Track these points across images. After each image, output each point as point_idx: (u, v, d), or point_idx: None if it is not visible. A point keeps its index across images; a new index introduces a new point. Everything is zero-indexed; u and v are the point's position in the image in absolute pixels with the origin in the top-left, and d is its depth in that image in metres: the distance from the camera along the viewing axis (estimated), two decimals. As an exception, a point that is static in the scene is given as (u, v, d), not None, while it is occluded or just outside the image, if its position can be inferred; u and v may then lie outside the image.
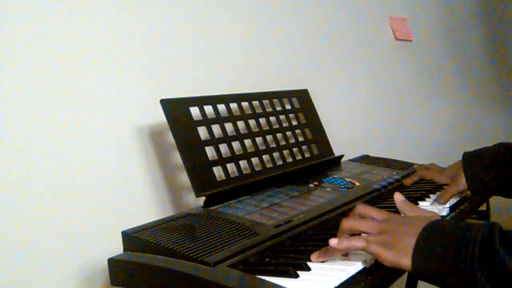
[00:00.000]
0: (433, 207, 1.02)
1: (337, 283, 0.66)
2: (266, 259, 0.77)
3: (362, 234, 0.75)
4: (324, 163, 1.26)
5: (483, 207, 1.18)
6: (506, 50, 2.23)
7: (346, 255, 0.76)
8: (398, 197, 0.89)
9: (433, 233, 0.69)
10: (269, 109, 1.21)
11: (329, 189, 1.08)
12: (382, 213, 0.79)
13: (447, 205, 1.04)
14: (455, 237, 0.66)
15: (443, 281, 0.66)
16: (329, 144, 1.33)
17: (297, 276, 0.68)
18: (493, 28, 2.21)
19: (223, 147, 1.05)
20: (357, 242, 0.72)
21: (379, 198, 1.09)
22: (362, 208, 0.80)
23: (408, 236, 0.69)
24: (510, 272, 0.61)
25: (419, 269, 0.67)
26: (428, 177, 1.20)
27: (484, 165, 1.06)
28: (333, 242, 0.72)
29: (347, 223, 0.76)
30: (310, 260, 0.73)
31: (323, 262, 0.74)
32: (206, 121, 1.04)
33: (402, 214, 0.86)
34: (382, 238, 0.71)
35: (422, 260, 0.67)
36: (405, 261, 0.68)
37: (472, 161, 1.09)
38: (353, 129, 1.69)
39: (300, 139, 1.26)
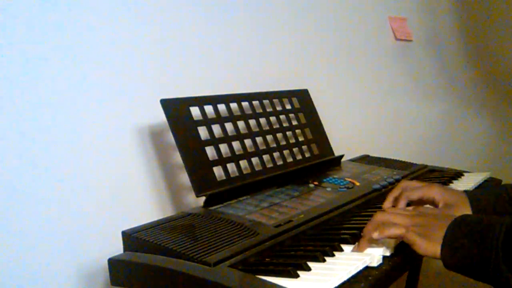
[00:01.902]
0: None
1: (337, 283, 0.66)
2: (266, 259, 0.77)
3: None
4: (324, 163, 1.26)
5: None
6: (488, 55, 2.25)
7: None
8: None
9: (461, 226, 0.74)
10: (269, 109, 1.21)
11: (329, 189, 1.08)
12: (411, 209, 0.86)
13: None
14: (480, 230, 0.71)
15: (469, 272, 0.71)
16: (329, 144, 1.33)
17: (297, 276, 0.68)
18: (474, 32, 2.22)
19: (223, 147, 1.05)
20: (397, 230, 0.76)
21: (379, 198, 1.09)
22: (392, 209, 0.87)
23: (439, 228, 0.75)
24: None
25: (447, 259, 0.73)
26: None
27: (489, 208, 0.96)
28: (375, 234, 0.76)
29: (381, 216, 0.81)
30: (310, 261, 0.73)
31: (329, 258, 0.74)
32: (206, 121, 1.04)
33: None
34: (418, 228, 0.76)
35: (450, 251, 0.72)
36: (437, 252, 0.73)
37: (479, 203, 0.96)
38: (353, 129, 1.69)
39: (300, 139, 1.26)
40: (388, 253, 0.77)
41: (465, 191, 0.98)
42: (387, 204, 0.99)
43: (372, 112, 1.80)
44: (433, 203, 0.96)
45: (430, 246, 0.74)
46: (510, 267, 0.67)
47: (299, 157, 1.23)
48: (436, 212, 0.84)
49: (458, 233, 0.73)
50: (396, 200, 0.98)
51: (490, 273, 0.69)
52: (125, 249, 0.82)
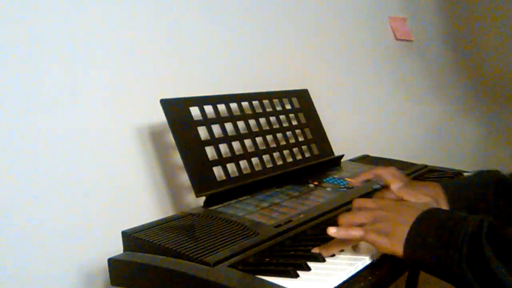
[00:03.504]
0: None
1: (337, 283, 0.66)
2: (266, 259, 0.77)
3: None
4: (324, 163, 1.26)
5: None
6: (486, 54, 2.25)
7: (354, 247, 0.77)
8: (395, 185, 0.93)
9: (425, 223, 0.71)
10: (269, 109, 1.21)
11: (329, 189, 1.08)
12: (377, 202, 0.81)
13: None
14: (447, 229, 0.68)
15: (432, 271, 0.69)
16: (329, 144, 1.33)
17: (297, 276, 0.68)
18: (462, 36, 2.23)
19: (223, 147, 1.05)
20: (355, 232, 0.73)
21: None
22: (358, 202, 0.82)
23: (402, 224, 0.71)
24: (493, 270, 0.62)
25: (410, 258, 0.70)
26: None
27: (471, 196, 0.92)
28: (331, 230, 0.74)
29: (344, 219, 0.78)
30: (310, 261, 0.73)
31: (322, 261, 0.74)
32: (206, 121, 1.04)
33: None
34: (378, 226, 0.73)
35: (414, 249, 0.69)
36: (399, 249, 0.70)
37: (455, 191, 0.93)
38: (353, 129, 1.69)
39: (300, 139, 1.26)
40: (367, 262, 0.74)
41: (442, 184, 0.94)
42: (355, 183, 1.06)
43: (372, 112, 1.80)
44: None
45: (391, 244, 0.70)
46: (473, 269, 0.64)
47: (299, 157, 1.23)
48: (401, 205, 0.79)
49: (422, 230, 0.70)
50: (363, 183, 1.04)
51: (452, 273, 0.66)
52: (125, 249, 0.82)
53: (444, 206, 0.90)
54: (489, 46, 2.21)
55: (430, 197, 0.88)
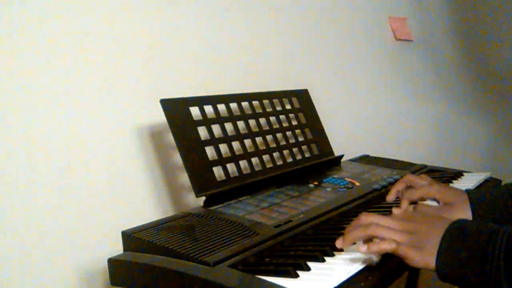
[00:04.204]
0: None
1: (336, 283, 0.66)
2: (266, 259, 0.77)
3: (388, 236, 0.73)
4: (324, 163, 1.26)
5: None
6: (486, 55, 2.24)
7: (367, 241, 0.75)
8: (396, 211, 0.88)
9: (457, 235, 0.70)
10: (269, 109, 1.21)
11: (329, 189, 1.08)
12: (402, 211, 0.81)
13: None
14: (481, 243, 0.67)
15: (468, 286, 0.67)
16: (329, 144, 1.33)
17: (297, 276, 0.68)
18: (467, 33, 2.22)
19: (223, 147, 1.05)
20: (387, 245, 0.72)
21: (379, 198, 1.09)
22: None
23: (432, 237, 0.70)
24: None
25: (444, 272, 0.69)
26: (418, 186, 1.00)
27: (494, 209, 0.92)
28: (363, 249, 0.72)
29: (367, 217, 0.76)
30: (310, 261, 0.73)
31: (323, 261, 0.74)
32: (206, 121, 1.04)
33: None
34: (409, 239, 0.72)
35: (447, 263, 0.68)
36: (431, 263, 0.69)
37: (479, 202, 0.93)
38: (353, 129, 1.69)
39: (300, 139, 1.26)
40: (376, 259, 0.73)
41: (466, 190, 0.96)
42: (391, 197, 0.99)
43: (372, 112, 1.80)
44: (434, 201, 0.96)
45: (423, 258, 0.69)
46: (511, 283, 0.63)
47: (299, 157, 1.23)
48: (429, 216, 0.78)
49: (454, 244, 0.68)
50: (399, 193, 0.98)
51: None
52: (125, 249, 0.82)
53: (467, 211, 0.90)
54: (495, 42, 2.21)
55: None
